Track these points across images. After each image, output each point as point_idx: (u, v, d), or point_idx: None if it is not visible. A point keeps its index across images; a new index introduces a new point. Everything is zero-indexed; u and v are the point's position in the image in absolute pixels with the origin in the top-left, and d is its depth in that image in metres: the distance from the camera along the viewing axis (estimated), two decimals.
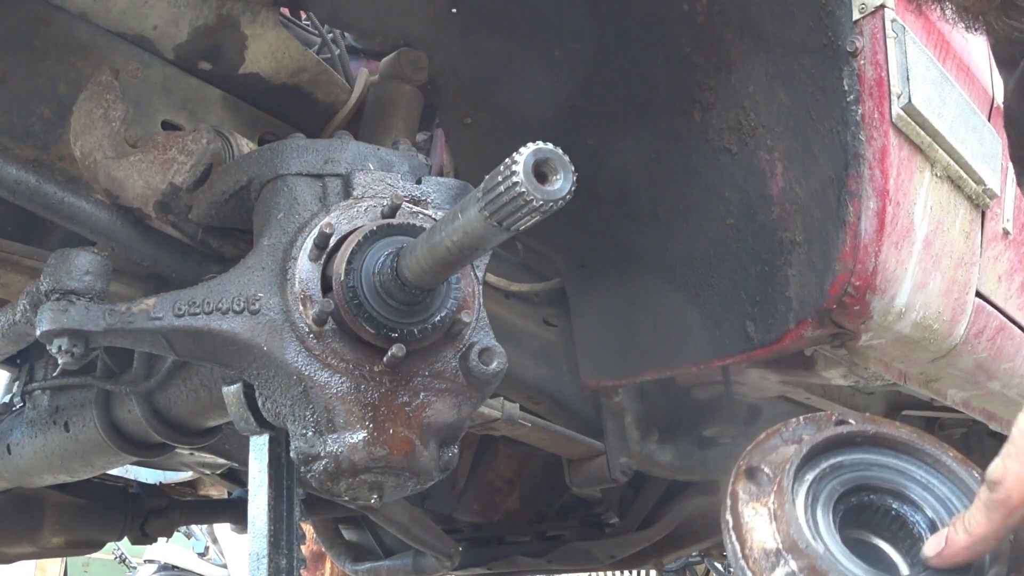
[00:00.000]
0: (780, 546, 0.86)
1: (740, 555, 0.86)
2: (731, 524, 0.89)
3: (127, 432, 1.80)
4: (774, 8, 1.51)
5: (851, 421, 1.00)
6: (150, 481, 2.97)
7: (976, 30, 1.10)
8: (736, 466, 0.95)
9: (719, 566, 6.75)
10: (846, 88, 1.44)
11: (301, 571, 1.41)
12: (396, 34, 1.88)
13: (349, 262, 1.15)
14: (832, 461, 0.95)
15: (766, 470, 0.94)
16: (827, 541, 0.85)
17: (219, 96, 1.72)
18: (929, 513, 0.93)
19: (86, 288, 1.27)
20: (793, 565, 0.84)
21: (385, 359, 1.16)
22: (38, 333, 1.23)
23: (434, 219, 1.28)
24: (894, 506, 0.94)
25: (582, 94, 1.86)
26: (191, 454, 2.56)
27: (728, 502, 0.91)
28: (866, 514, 0.94)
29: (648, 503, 2.82)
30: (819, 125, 1.49)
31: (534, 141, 0.86)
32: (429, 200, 1.32)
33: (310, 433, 1.17)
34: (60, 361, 1.23)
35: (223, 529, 6.53)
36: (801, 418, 1.02)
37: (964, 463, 0.96)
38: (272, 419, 1.25)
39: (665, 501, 2.77)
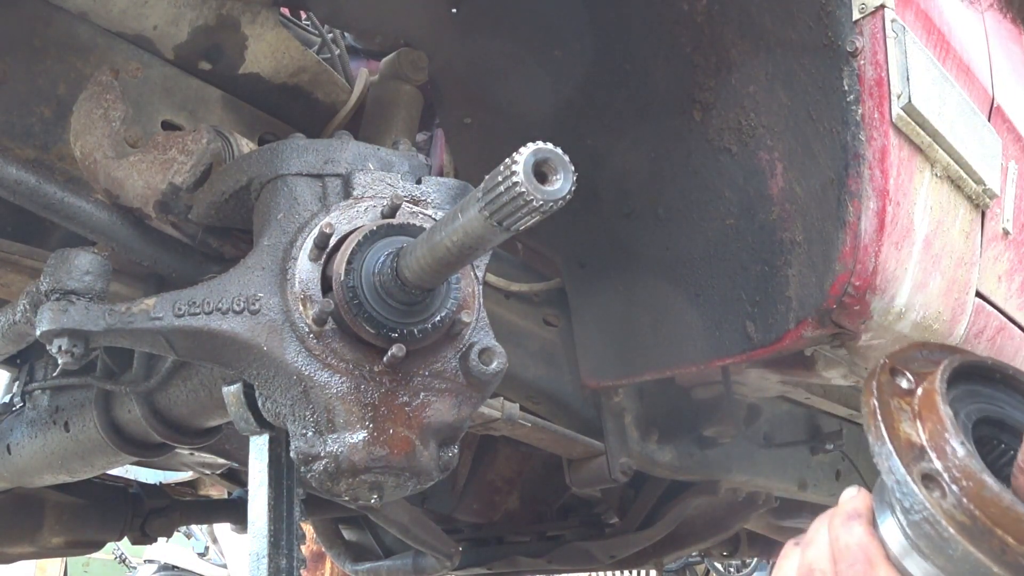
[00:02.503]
0: (924, 443, 0.82)
1: (888, 439, 0.82)
2: (878, 409, 0.85)
3: (127, 432, 1.80)
4: (774, 8, 1.51)
5: (984, 357, 0.97)
6: (150, 481, 2.97)
7: None
8: (879, 363, 0.91)
9: (719, 566, 6.76)
10: (846, 88, 1.44)
11: (301, 571, 1.41)
12: (396, 34, 1.88)
13: (349, 262, 1.15)
14: (970, 387, 0.91)
15: (908, 374, 0.90)
16: (970, 447, 0.81)
17: (219, 96, 1.72)
18: None
19: (86, 288, 1.27)
20: (938, 464, 0.80)
21: (385, 359, 1.16)
22: (38, 333, 1.23)
23: (434, 219, 1.28)
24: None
25: (582, 94, 1.86)
26: (191, 454, 2.56)
27: (873, 388, 0.87)
28: (990, 455, 0.89)
29: (648, 503, 2.82)
30: (819, 125, 1.49)
31: (534, 141, 0.86)
32: (429, 200, 1.32)
33: (310, 433, 1.17)
34: (60, 361, 1.23)
35: (223, 529, 6.53)
36: (937, 343, 0.99)
37: None
38: (272, 419, 1.25)
39: (665, 501, 2.77)
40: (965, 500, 0.78)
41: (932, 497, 0.79)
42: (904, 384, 0.90)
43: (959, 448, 0.80)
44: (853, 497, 0.90)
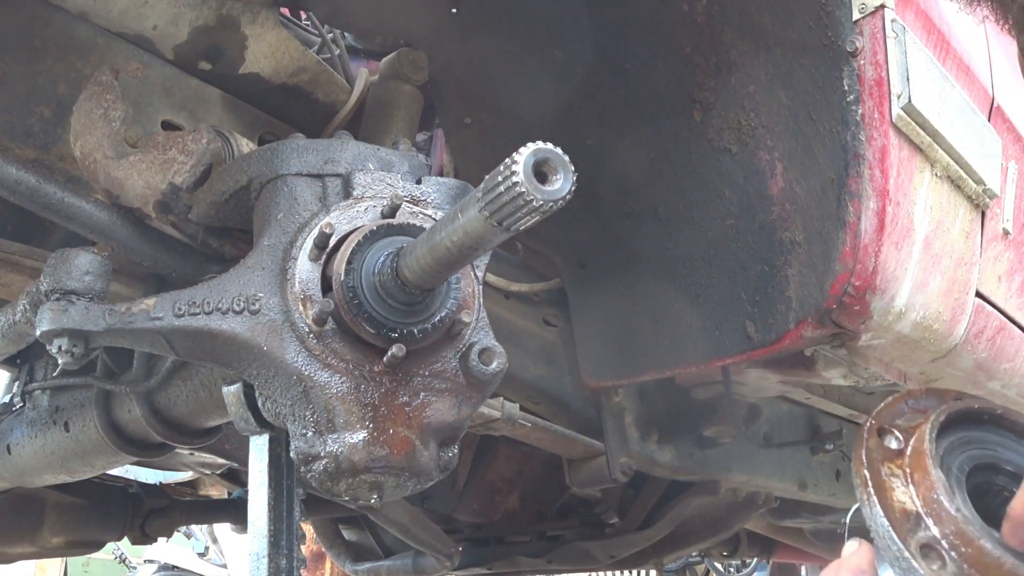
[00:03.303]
0: (920, 510, 0.81)
1: (881, 512, 0.81)
2: (869, 480, 0.84)
3: (127, 432, 1.79)
4: (774, 8, 1.51)
5: (971, 398, 0.96)
6: (150, 481, 2.97)
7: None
8: (866, 424, 0.90)
9: (719, 566, 6.76)
10: (846, 88, 1.44)
11: (301, 571, 1.41)
12: (396, 34, 1.89)
13: (349, 262, 1.15)
14: (960, 435, 0.90)
15: (896, 433, 0.89)
16: (966, 510, 0.81)
17: (219, 96, 1.72)
18: None
19: (86, 288, 1.27)
20: (935, 531, 0.79)
21: (385, 359, 1.16)
22: (38, 333, 1.23)
23: (434, 219, 1.28)
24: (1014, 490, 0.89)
25: (582, 94, 1.86)
26: (191, 454, 2.56)
27: (863, 457, 0.86)
28: (988, 500, 0.88)
29: (648, 503, 2.82)
30: (819, 125, 1.49)
31: (534, 141, 0.86)
32: (429, 200, 1.32)
33: (310, 433, 1.17)
34: (60, 361, 1.23)
35: (223, 529, 6.53)
36: (923, 389, 0.99)
37: None
38: (272, 419, 1.25)
39: (665, 501, 2.77)
40: (966, 567, 0.77)
41: (932, 569, 0.78)
42: (893, 444, 0.89)
43: (955, 513, 0.79)
44: (854, 552, 0.89)
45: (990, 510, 0.83)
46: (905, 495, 0.83)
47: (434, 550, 2.65)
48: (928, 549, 0.79)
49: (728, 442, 2.22)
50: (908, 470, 0.85)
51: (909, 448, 0.87)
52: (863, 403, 2.49)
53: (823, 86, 1.47)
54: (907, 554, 0.79)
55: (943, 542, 0.79)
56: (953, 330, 1.70)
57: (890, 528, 0.80)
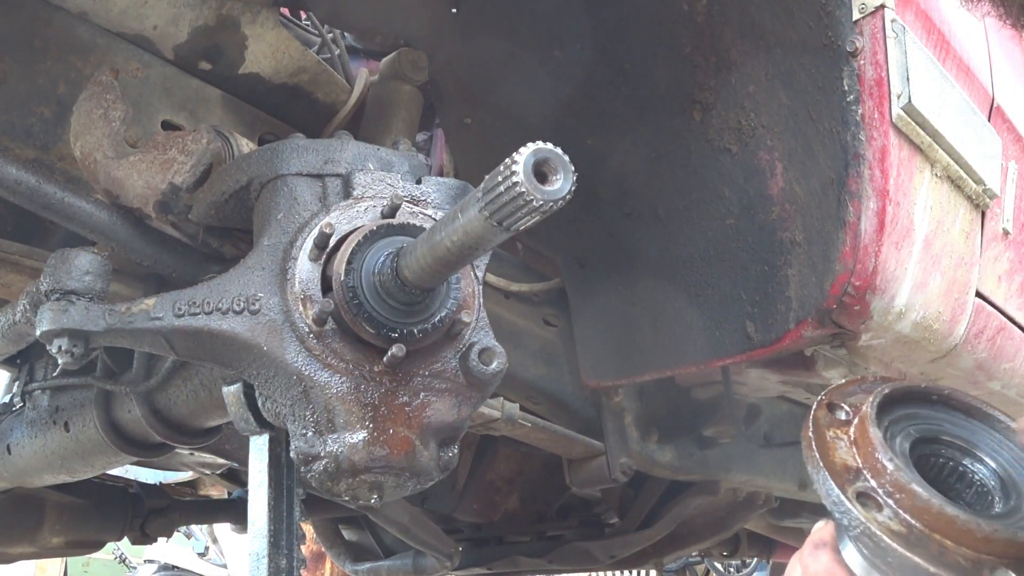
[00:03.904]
0: (859, 464, 0.88)
1: (821, 466, 0.88)
2: (813, 441, 0.91)
3: (127, 432, 1.79)
4: (774, 8, 1.51)
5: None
6: (150, 481, 2.97)
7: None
8: (816, 400, 0.97)
9: (719, 566, 6.75)
10: (846, 88, 1.44)
11: (301, 571, 1.41)
12: (396, 34, 1.89)
13: (349, 262, 1.15)
14: (907, 411, 0.98)
15: (845, 407, 0.97)
16: (899, 461, 0.87)
17: (219, 96, 1.72)
18: (998, 469, 0.95)
19: (86, 288, 1.27)
20: (872, 481, 0.86)
21: (385, 359, 1.16)
22: (38, 333, 1.23)
23: (434, 219, 1.28)
24: (963, 462, 0.96)
25: (582, 94, 1.86)
26: (191, 454, 2.56)
27: (810, 423, 0.94)
28: (933, 470, 0.95)
29: (648, 503, 2.82)
30: (819, 125, 1.49)
31: (534, 141, 0.86)
32: (429, 200, 1.32)
33: (310, 433, 1.17)
34: (60, 361, 1.23)
35: (223, 529, 6.53)
36: (876, 374, 1.05)
37: None
38: (272, 419, 1.25)
39: (665, 501, 2.77)
40: (900, 511, 0.83)
41: (867, 512, 0.84)
42: (842, 416, 0.96)
43: (889, 464, 0.86)
44: (819, 528, 0.96)
45: (932, 477, 0.89)
46: (847, 454, 0.90)
47: (434, 550, 2.65)
48: (865, 497, 0.85)
49: (728, 442, 2.22)
50: (852, 434, 0.92)
51: (855, 418, 0.94)
52: None
53: (823, 86, 1.47)
54: (843, 499, 0.85)
55: (879, 490, 0.85)
56: (953, 330, 1.70)
57: (829, 478, 0.87)
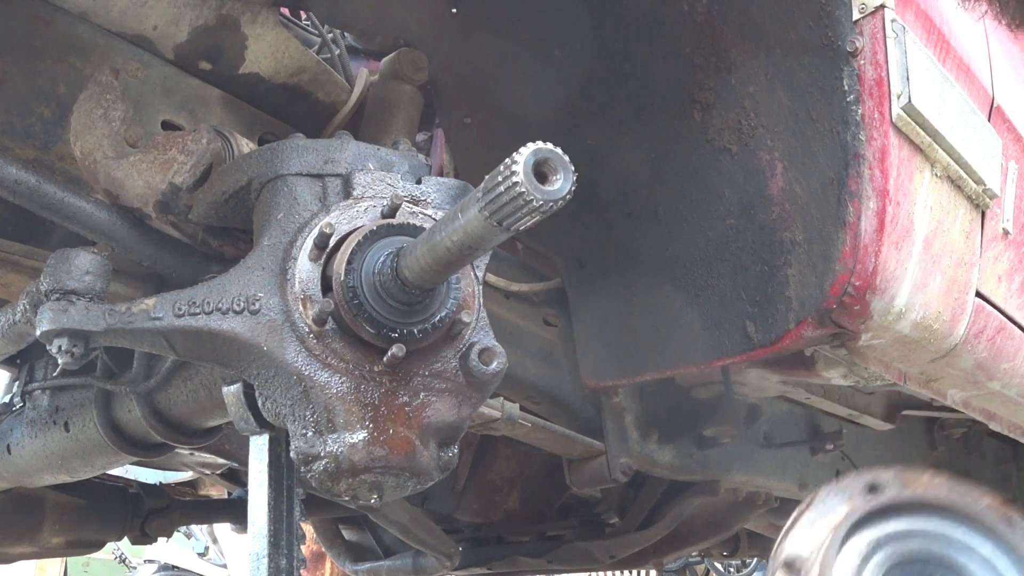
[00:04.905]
0: None
1: None
2: None
3: (127, 432, 1.79)
4: (774, 8, 1.51)
5: (881, 480, 0.98)
6: (150, 481, 2.97)
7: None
8: (773, 555, 0.95)
9: (719, 566, 6.76)
10: (846, 88, 1.44)
11: (301, 571, 1.41)
12: (396, 34, 1.88)
13: (349, 262, 1.15)
14: (869, 538, 0.94)
15: (803, 555, 0.93)
16: None
17: (219, 96, 1.72)
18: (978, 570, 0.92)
19: (86, 288, 1.27)
20: None
21: (385, 359, 1.16)
22: (38, 333, 1.23)
23: (434, 219, 1.28)
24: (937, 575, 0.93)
25: (582, 94, 1.86)
26: (191, 454, 2.56)
27: None
28: None
29: (648, 503, 2.82)
30: (819, 125, 1.49)
31: (534, 141, 0.86)
32: (429, 200, 1.32)
33: (310, 433, 1.17)
34: (60, 361, 1.23)
35: (223, 529, 6.53)
36: (829, 489, 1.01)
37: (1004, 514, 0.94)
38: (272, 419, 1.25)
39: (665, 501, 2.77)
40: None
41: None
42: (802, 569, 0.93)
43: None
44: None
45: None
46: None
47: (434, 550, 2.65)
48: None
49: (728, 442, 2.22)
50: None
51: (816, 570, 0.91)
52: (863, 403, 2.49)
53: (823, 86, 1.47)
54: None
55: None
56: (953, 330, 1.70)
57: None
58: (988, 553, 0.92)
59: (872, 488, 0.97)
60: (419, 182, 1.33)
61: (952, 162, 1.60)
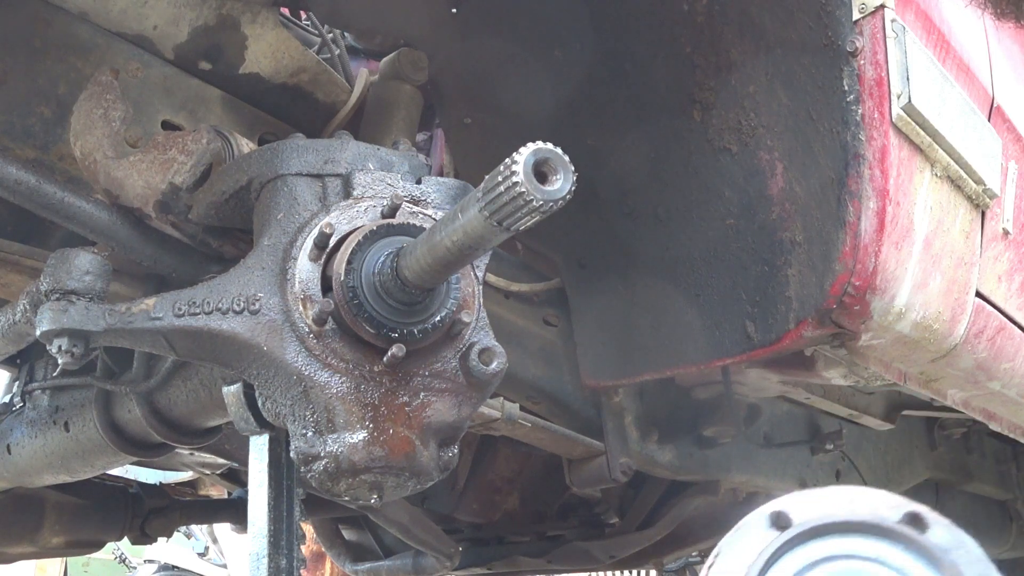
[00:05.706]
0: None
1: None
2: None
3: (127, 432, 1.79)
4: (774, 8, 1.51)
5: (782, 508, 0.97)
6: (150, 481, 2.97)
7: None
8: None
9: None
10: (846, 88, 1.44)
11: (301, 571, 1.41)
12: (396, 34, 1.89)
13: (349, 262, 1.15)
14: (782, 574, 0.93)
15: None
16: None
17: (219, 96, 1.72)
18: None
19: (86, 288, 1.27)
20: None
21: (385, 359, 1.16)
22: (38, 333, 1.23)
23: (434, 219, 1.28)
24: None
25: (582, 94, 1.86)
26: (191, 454, 2.56)
27: None
28: None
29: (648, 503, 2.82)
30: (819, 125, 1.49)
31: (534, 141, 0.86)
32: (429, 200, 1.32)
33: (310, 433, 1.17)
34: (60, 361, 1.23)
35: (223, 529, 6.53)
36: (733, 532, 0.99)
37: (910, 517, 0.91)
38: (272, 419, 1.25)
39: (665, 501, 2.77)
40: None
41: None
42: None
43: None
44: None
45: None
46: None
47: (434, 550, 2.65)
48: None
49: (728, 442, 2.22)
50: None
51: None
52: (863, 403, 2.50)
53: (823, 86, 1.47)
54: None
55: None
56: (953, 330, 1.70)
57: None
58: (901, 562, 0.90)
59: (776, 519, 0.96)
60: (419, 182, 1.33)
61: (952, 162, 1.60)
